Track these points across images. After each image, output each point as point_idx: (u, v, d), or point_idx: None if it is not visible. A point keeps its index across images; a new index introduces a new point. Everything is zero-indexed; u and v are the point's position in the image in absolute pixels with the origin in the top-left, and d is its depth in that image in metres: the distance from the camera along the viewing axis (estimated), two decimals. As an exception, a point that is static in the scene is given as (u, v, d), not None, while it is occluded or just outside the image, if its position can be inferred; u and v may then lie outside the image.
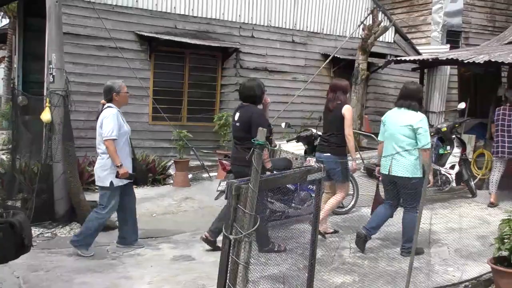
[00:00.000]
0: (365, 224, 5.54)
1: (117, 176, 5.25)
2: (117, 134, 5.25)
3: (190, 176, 9.19)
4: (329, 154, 5.83)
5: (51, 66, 6.36)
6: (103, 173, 5.33)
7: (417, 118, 5.26)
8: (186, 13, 10.65)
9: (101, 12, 9.48)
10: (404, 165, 5.20)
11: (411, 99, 5.37)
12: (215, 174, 9.36)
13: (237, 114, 5.51)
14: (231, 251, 3.16)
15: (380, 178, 5.71)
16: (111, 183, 5.29)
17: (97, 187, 8.20)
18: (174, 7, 10.49)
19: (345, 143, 5.83)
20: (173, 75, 10.68)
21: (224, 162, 6.22)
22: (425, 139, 5.21)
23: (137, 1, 10.04)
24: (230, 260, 3.16)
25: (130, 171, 5.39)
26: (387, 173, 5.34)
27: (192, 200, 7.81)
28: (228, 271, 3.16)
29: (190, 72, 10.89)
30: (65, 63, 6.72)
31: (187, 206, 7.47)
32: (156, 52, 10.39)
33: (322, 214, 5.55)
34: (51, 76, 6.36)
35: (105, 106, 5.43)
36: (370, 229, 5.46)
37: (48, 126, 6.35)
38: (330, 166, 5.65)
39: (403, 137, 5.29)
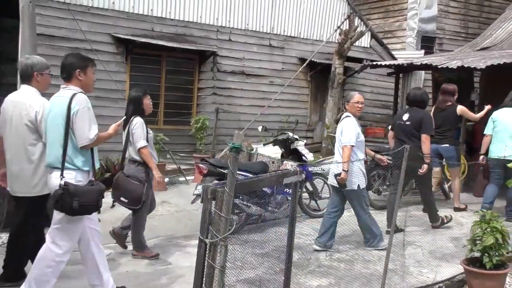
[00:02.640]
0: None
1: (336, 176, 5.47)
2: (355, 142, 5.49)
3: (166, 179, 9.10)
4: (447, 145, 7.27)
5: (24, 67, 6.23)
6: (350, 177, 5.47)
7: None
8: (163, 16, 10.60)
9: (76, 14, 9.37)
10: None
11: None
12: (192, 177, 9.31)
13: (406, 115, 6.51)
14: (206, 255, 3.15)
15: (484, 165, 7.27)
16: (358, 186, 5.52)
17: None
18: (151, 10, 10.43)
19: (458, 136, 7.53)
20: (149, 78, 10.60)
21: (201, 165, 6.18)
22: None
23: (113, 3, 9.95)
24: (206, 264, 3.15)
25: (363, 181, 5.59)
26: (500, 157, 6.66)
27: (169, 204, 7.74)
28: (204, 275, 3.15)
29: (167, 75, 10.83)
30: (38, 65, 6.60)
31: (163, 210, 7.39)
32: (133, 55, 10.31)
33: (455, 195, 7.52)
34: (24, 78, 6.22)
35: (344, 115, 5.75)
36: (489, 204, 6.74)
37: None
38: (449, 154, 7.17)
39: None
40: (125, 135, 5.26)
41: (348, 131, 5.53)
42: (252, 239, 5.52)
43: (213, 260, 3.10)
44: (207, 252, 3.13)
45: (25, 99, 4.21)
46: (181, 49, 10.50)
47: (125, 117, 5.16)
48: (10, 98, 4.33)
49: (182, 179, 9.49)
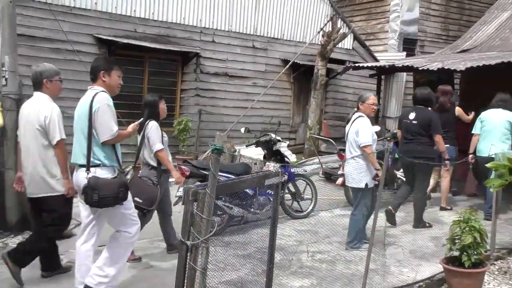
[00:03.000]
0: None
1: (374, 178, 5.61)
2: (372, 141, 5.66)
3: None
4: (449, 145, 7.17)
5: (3, 68, 6.15)
6: (359, 175, 5.62)
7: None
8: (146, 17, 10.54)
9: (58, 14, 9.27)
10: (501, 149, 6.66)
11: (506, 102, 7.17)
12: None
13: (413, 114, 6.74)
14: (188, 257, 3.15)
15: (473, 163, 7.28)
16: (366, 184, 5.62)
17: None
18: (134, 11, 10.37)
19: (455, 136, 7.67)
20: (132, 79, 10.51)
21: (183, 167, 6.17)
22: None
23: (96, 3, 9.87)
24: (187, 266, 3.15)
25: (371, 179, 5.68)
26: (487, 155, 6.82)
27: (151, 205, 7.69)
28: (186, 278, 3.14)
29: (149, 77, 10.77)
30: (19, 66, 6.53)
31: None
32: (115, 56, 10.21)
33: (442, 195, 7.70)
34: (4, 79, 6.15)
35: (356, 115, 5.83)
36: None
37: (0, 130, 6.14)
38: (450, 155, 7.12)
39: (503, 129, 7.07)
40: (140, 138, 5.37)
41: (366, 131, 5.66)
42: (235, 240, 5.52)
43: (195, 262, 3.10)
44: (188, 254, 3.13)
45: (36, 105, 4.54)
46: (164, 50, 10.46)
47: (142, 119, 5.23)
48: (25, 105, 4.70)
49: (165, 180, 9.44)
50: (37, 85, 4.60)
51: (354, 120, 5.81)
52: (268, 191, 6.33)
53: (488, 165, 4.61)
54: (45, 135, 4.49)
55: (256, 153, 8.54)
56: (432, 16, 15.33)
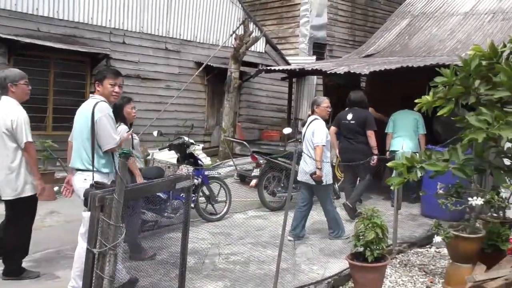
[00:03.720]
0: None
1: (311, 175, 5.89)
2: (325, 142, 6.01)
3: (56, 188, 8.63)
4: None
5: None
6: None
7: (418, 114, 7.70)
8: (51, 16, 10.07)
9: (-51, 10, 8.59)
10: (411, 145, 7.75)
11: (411, 105, 7.34)
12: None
13: (350, 115, 7.37)
14: (95, 265, 3.05)
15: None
16: (326, 182, 6.00)
17: None
18: (37, 9, 9.86)
19: None
20: (36, 81, 9.88)
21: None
22: (423, 128, 8.07)
23: (-8, 0, 9.26)
24: (94, 275, 3.04)
25: (330, 177, 6.13)
26: (400, 149, 7.14)
27: (58, 214, 7.35)
28: (92, 287, 3.04)
29: (55, 78, 10.28)
30: None
31: (52, 221, 7.01)
32: (16, 56, 9.65)
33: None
34: None
35: (312, 118, 6.23)
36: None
37: None
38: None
39: (412, 125, 8.02)
40: None
41: (321, 132, 6.03)
42: (148, 246, 5.42)
43: (102, 270, 3.00)
44: (95, 262, 3.03)
45: (2, 109, 4.66)
46: (70, 51, 10.02)
47: (131, 129, 5.34)
48: None
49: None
50: (3, 89, 4.74)
51: (310, 122, 6.20)
52: (181, 194, 6.27)
53: (388, 164, 4.90)
54: (12, 138, 4.63)
55: (169, 156, 8.45)
56: (339, 21, 16.01)
